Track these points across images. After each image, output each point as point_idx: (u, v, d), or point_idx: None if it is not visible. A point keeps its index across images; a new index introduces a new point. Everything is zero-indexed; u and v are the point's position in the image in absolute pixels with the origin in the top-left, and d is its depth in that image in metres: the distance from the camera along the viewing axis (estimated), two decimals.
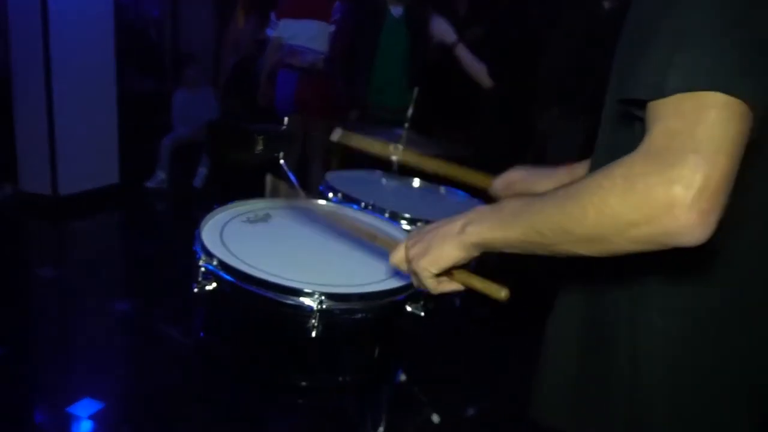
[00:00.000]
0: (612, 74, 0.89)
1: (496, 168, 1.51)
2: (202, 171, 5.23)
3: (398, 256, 1.01)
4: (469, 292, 1.00)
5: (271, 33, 4.18)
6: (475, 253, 0.89)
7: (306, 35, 3.90)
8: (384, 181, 2.39)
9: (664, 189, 0.66)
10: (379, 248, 1.63)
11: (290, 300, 1.27)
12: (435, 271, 0.93)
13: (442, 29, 3.30)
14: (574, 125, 3.36)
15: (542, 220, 0.78)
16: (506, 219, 0.83)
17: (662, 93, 0.69)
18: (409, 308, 1.40)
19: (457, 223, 0.90)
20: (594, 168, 0.93)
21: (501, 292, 0.93)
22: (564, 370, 1.03)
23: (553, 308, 1.08)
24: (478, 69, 3.24)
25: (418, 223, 1.84)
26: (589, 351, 0.98)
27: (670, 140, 0.67)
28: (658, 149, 0.68)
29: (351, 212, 1.84)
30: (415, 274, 0.96)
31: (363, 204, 1.91)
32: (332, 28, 3.77)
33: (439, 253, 0.91)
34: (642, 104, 0.73)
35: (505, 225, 0.83)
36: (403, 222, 1.85)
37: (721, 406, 0.89)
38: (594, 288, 0.97)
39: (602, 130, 0.96)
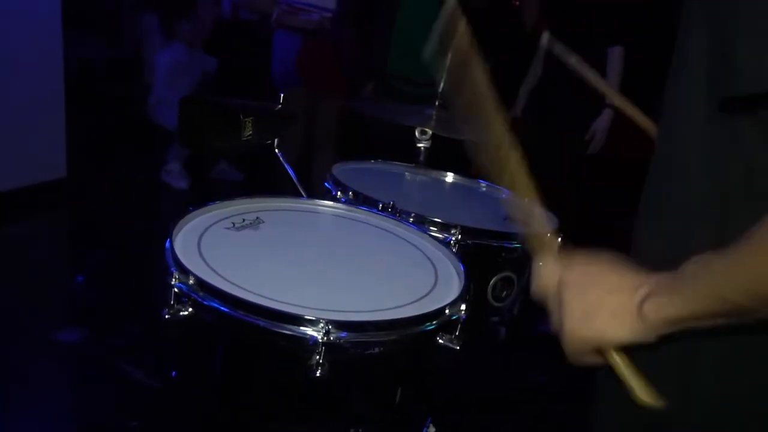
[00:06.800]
0: (695, 65, 0.95)
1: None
2: (223, 163, 5.35)
3: (547, 283, 1.01)
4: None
5: None
6: (652, 339, 0.89)
7: None
8: (408, 175, 2.40)
9: None
10: (406, 261, 1.66)
11: (288, 329, 1.28)
12: (590, 349, 0.94)
13: None
14: None
15: (754, 287, 0.78)
16: (705, 286, 0.82)
17: None
18: (441, 340, 1.41)
19: (635, 296, 0.88)
20: (671, 164, 0.99)
21: (650, 398, 0.93)
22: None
23: None
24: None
25: (452, 233, 1.85)
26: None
27: None
28: None
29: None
30: (563, 333, 0.96)
31: (381, 205, 1.93)
32: None
33: (602, 331, 0.91)
34: None
35: (706, 295, 0.82)
36: (433, 229, 1.87)
37: None
38: None
39: (680, 126, 0.99)
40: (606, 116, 3.39)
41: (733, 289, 0.78)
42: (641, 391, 0.93)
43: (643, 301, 0.87)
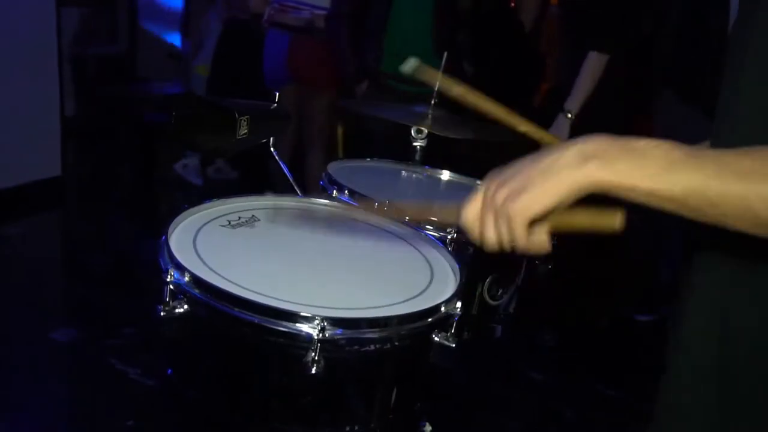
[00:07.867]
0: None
1: None
2: (219, 162, 5.33)
3: (474, 208, 0.99)
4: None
5: None
6: (583, 195, 0.90)
7: None
8: (404, 173, 2.40)
9: None
10: (401, 259, 1.66)
11: (283, 326, 1.28)
12: (535, 214, 0.92)
13: None
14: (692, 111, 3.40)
15: (720, 188, 0.81)
16: (658, 168, 0.84)
17: None
18: (436, 338, 1.41)
19: (568, 153, 0.89)
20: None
21: (616, 219, 0.95)
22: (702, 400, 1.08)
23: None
24: None
25: (448, 231, 1.85)
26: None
27: None
28: None
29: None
30: (507, 224, 0.94)
31: (377, 204, 1.93)
32: None
33: (542, 190, 0.90)
34: None
35: (655, 175, 0.84)
36: (428, 227, 1.87)
37: None
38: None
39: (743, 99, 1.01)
40: (560, 122, 3.23)
41: (722, 193, 0.81)
42: (608, 221, 0.96)
43: (587, 159, 0.87)
